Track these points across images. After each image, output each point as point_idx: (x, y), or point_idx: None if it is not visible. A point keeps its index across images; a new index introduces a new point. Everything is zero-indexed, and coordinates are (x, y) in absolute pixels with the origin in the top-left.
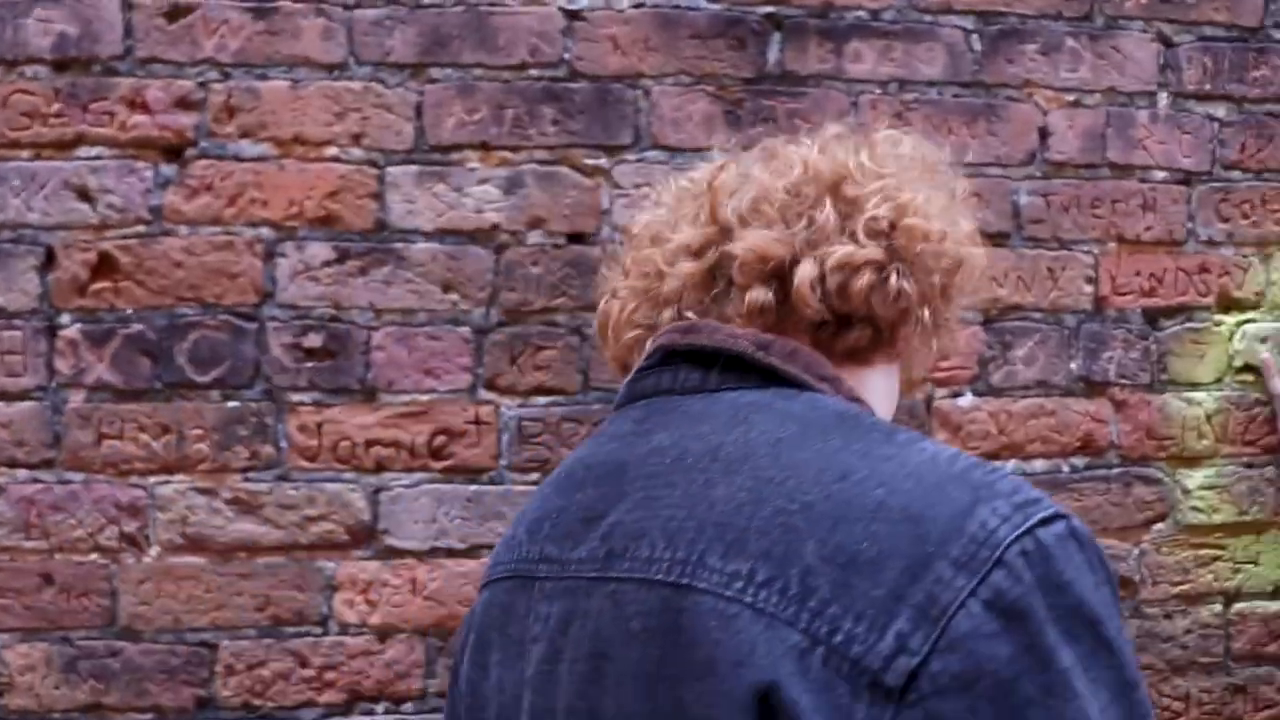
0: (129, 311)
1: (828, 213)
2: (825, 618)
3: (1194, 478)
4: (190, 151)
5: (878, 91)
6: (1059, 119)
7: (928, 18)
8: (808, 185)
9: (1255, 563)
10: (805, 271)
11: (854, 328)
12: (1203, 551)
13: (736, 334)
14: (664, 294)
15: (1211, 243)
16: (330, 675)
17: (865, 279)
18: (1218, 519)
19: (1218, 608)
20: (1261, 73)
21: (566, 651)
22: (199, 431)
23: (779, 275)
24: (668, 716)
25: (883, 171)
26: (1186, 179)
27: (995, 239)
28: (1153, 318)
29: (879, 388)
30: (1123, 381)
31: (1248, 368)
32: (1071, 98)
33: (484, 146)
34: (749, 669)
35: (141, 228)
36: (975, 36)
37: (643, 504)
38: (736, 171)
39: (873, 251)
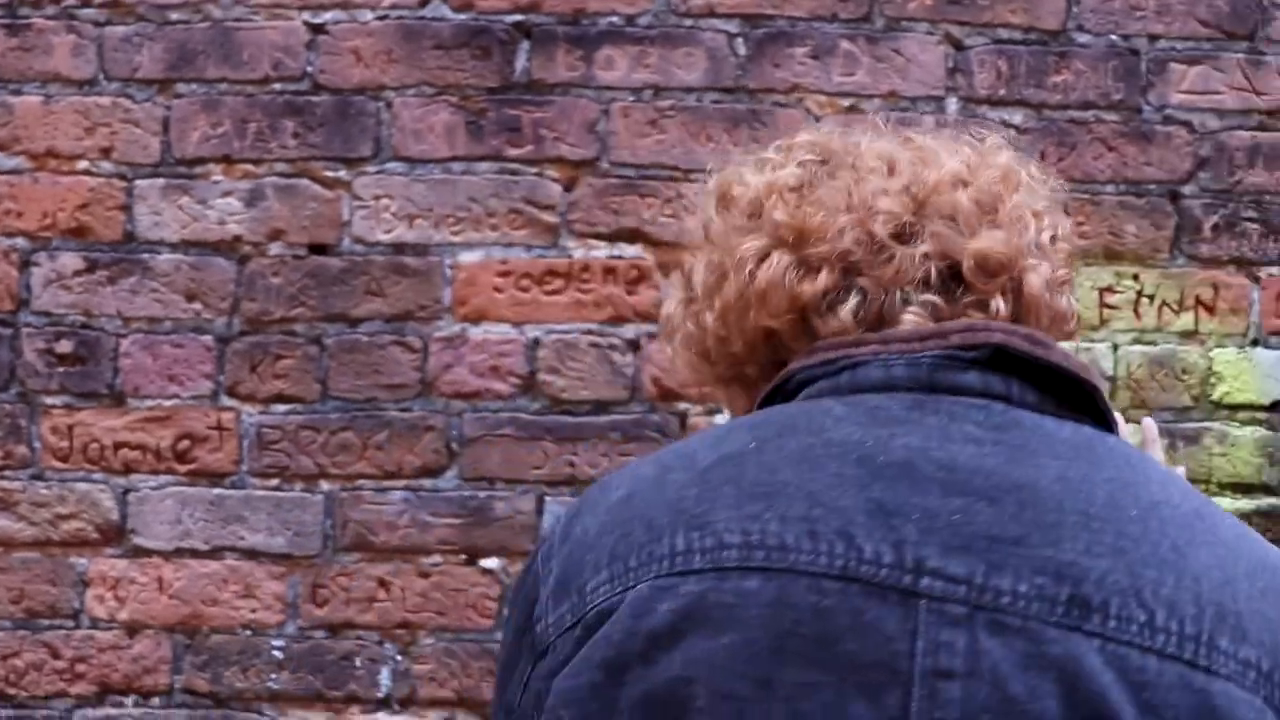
0: None
1: (1028, 220)
2: None
3: None
4: None
5: (630, 99)
6: (834, 125)
7: (688, 22)
8: (998, 185)
9: None
10: (1034, 283)
11: None
12: None
13: (1069, 353)
14: (883, 276)
15: None
16: (81, 667)
17: (1067, 301)
18: None
19: None
20: (1063, 78)
21: (1036, 702)
22: None
23: (1014, 288)
24: None
25: (1048, 186)
26: None
27: None
28: None
29: None
30: None
31: None
32: (847, 103)
33: (227, 160)
34: None
35: None
36: (740, 40)
37: (1110, 554)
38: (913, 146)
39: (1066, 272)
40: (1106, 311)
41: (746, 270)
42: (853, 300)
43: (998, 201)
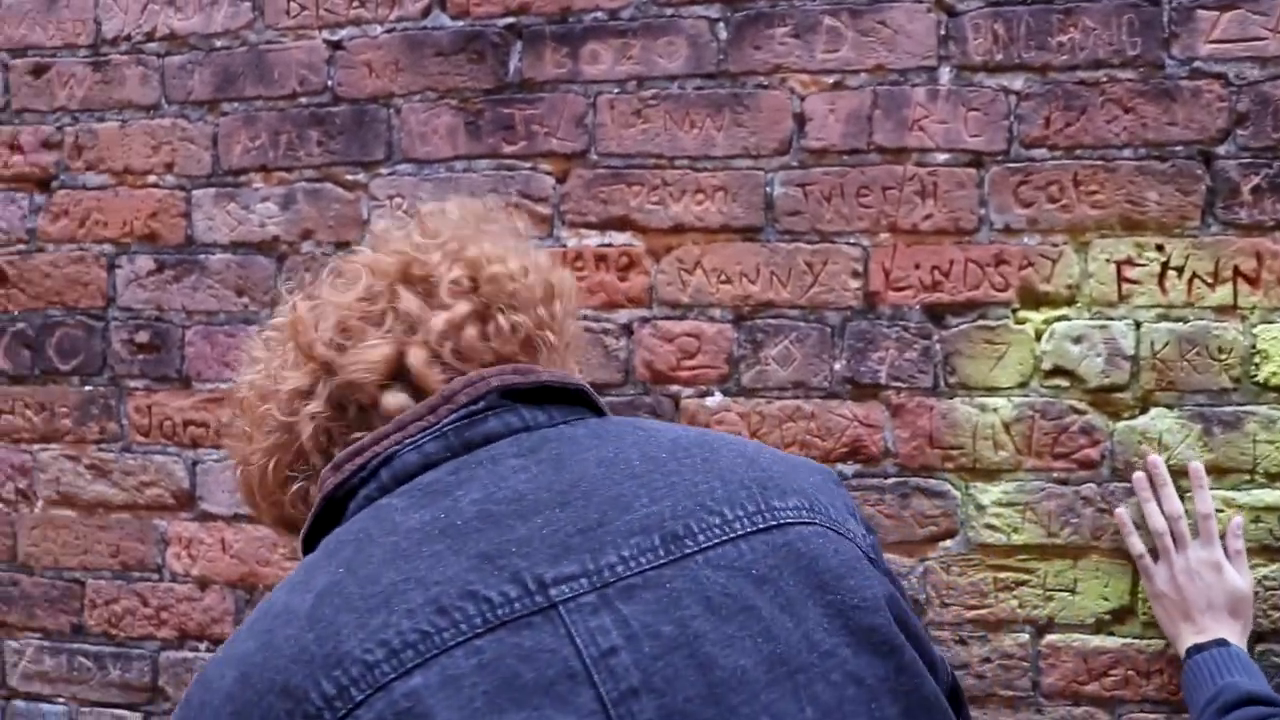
0: (15, 314)
1: (406, 298)
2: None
3: (990, 492)
4: (54, 183)
5: (615, 91)
6: (819, 104)
7: (669, 11)
8: (378, 284)
9: (1071, 591)
10: (416, 357)
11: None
12: (1003, 575)
13: (558, 373)
14: (304, 442)
15: (1010, 230)
16: (164, 615)
17: (472, 330)
18: (1019, 539)
19: (1024, 637)
20: (1070, 37)
21: (691, 627)
22: (64, 409)
23: (399, 374)
24: (842, 607)
25: (440, 240)
26: (976, 160)
27: (745, 233)
28: (937, 315)
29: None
30: (898, 384)
31: (1060, 370)
32: (832, 80)
33: (264, 169)
34: (862, 561)
35: (21, 246)
36: (720, 25)
37: (669, 492)
38: (310, 305)
39: (464, 307)
40: (1126, 286)
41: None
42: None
43: (351, 316)
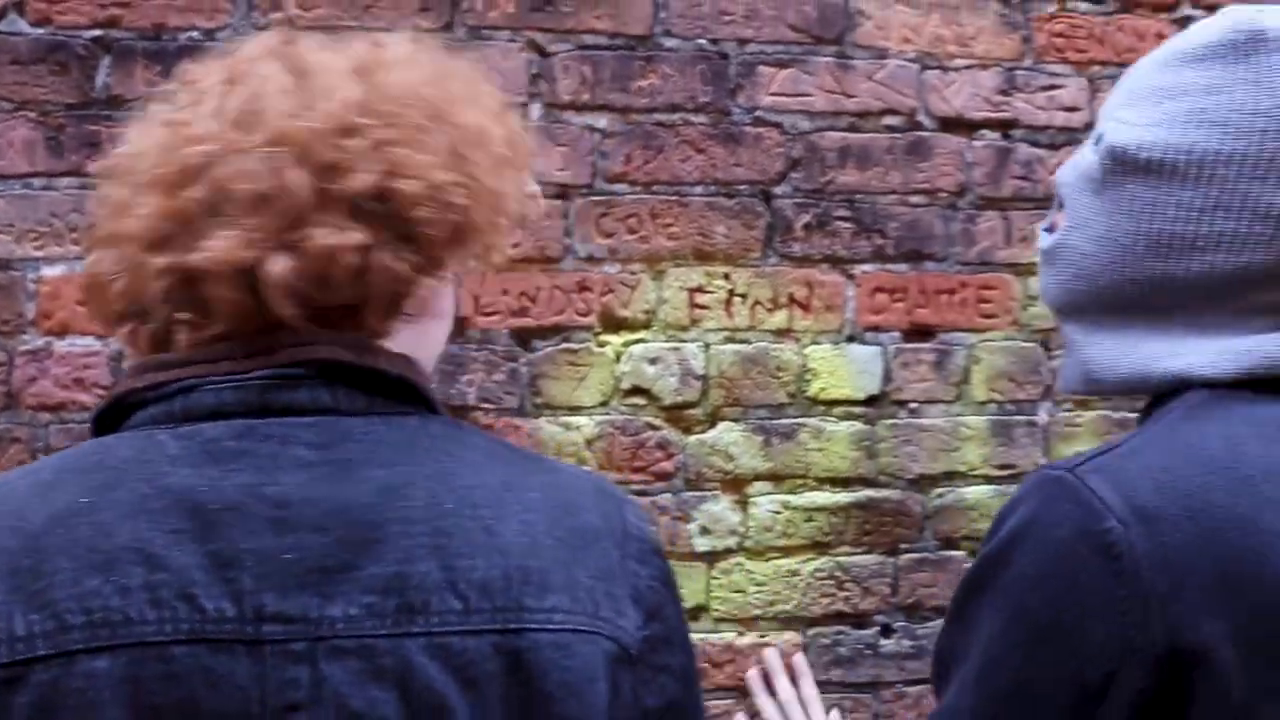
0: None
1: (301, 182)
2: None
3: None
4: None
5: None
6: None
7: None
8: (281, 153)
9: None
10: (274, 269)
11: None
12: None
13: (392, 354)
14: (147, 292)
15: (593, 259)
16: None
17: (348, 262)
18: None
19: None
20: (650, 82)
21: (378, 710)
22: None
23: (246, 280)
24: None
25: (380, 117)
26: (562, 193)
27: None
28: (524, 339)
29: (421, 351)
30: (486, 405)
31: (637, 390)
32: None
33: None
34: (598, 678)
35: None
36: None
37: (429, 554)
38: (210, 110)
39: (355, 236)
40: (697, 311)
41: None
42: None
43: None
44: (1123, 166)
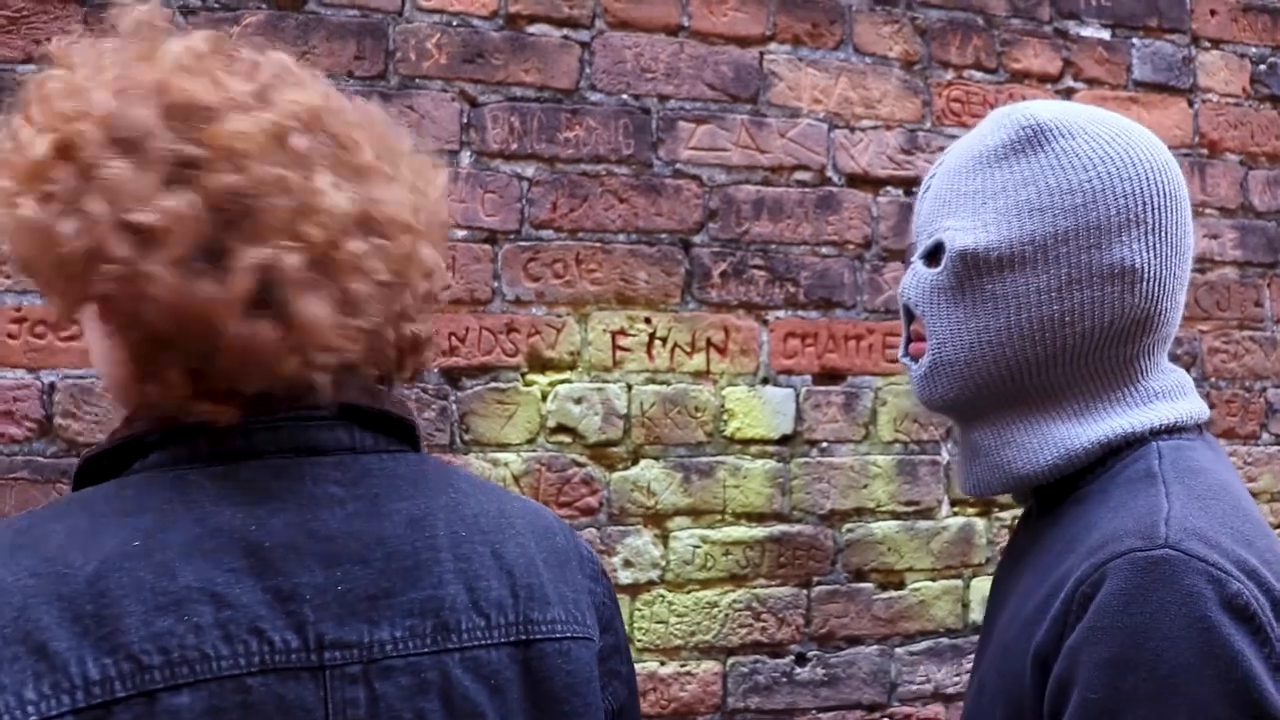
0: None
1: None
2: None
3: None
4: None
5: None
6: None
7: None
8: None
9: None
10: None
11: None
12: None
13: (393, 397)
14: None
15: (520, 302)
16: None
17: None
18: None
19: None
20: (575, 133)
21: (426, 719)
22: None
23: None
24: None
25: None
26: (491, 238)
27: None
28: (454, 378)
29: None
30: None
31: (563, 428)
32: None
33: None
34: (592, 678)
35: None
36: None
37: (455, 579)
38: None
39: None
40: (619, 353)
41: None
42: None
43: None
44: (976, 269)
